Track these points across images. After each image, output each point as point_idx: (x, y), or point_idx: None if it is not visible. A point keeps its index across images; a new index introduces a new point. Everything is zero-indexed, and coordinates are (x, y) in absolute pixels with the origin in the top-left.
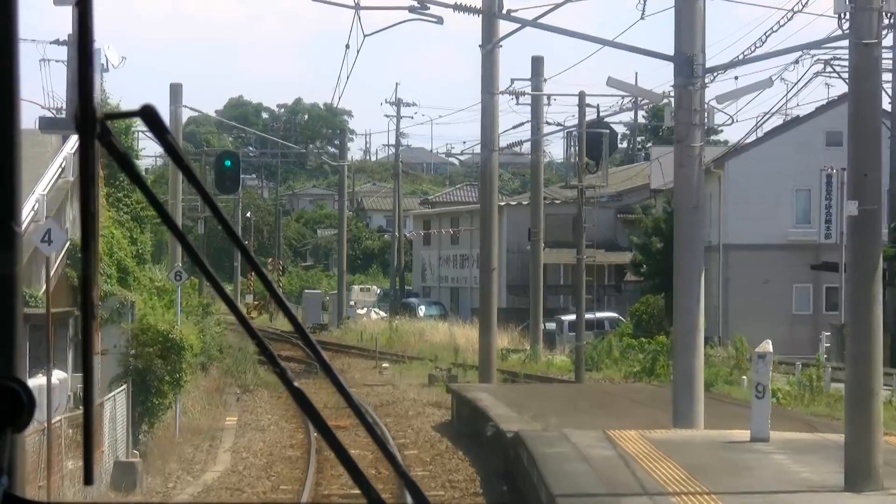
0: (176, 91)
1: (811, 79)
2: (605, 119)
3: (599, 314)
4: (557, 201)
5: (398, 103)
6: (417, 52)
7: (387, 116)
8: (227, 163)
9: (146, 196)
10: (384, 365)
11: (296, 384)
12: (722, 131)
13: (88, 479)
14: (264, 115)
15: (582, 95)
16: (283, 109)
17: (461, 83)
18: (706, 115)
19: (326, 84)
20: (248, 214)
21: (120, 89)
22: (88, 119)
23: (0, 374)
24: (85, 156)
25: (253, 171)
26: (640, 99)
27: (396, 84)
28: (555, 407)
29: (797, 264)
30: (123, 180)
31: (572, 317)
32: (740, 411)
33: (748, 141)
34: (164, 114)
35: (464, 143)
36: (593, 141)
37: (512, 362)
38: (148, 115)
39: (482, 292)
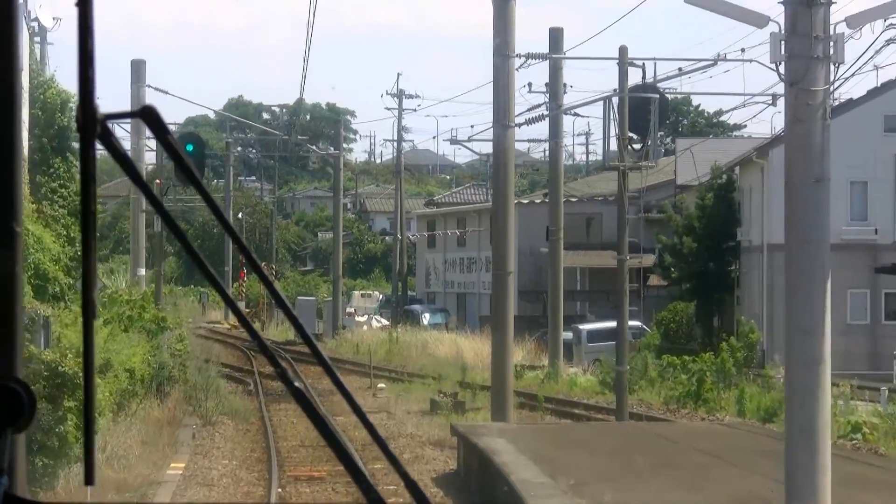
0: (138, 68)
1: (882, 47)
2: (655, 82)
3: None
4: (573, 199)
5: (400, 95)
6: (423, 55)
7: (387, 109)
8: (189, 147)
9: (148, 198)
10: (380, 385)
11: (296, 384)
12: (745, 125)
13: (89, 479)
14: (265, 116)
15: (623, 51)
16: (284, 110)
17: (465, 86)
18: (832, 44)
19: (329, 87)
20: (240, 215)
21: (121, 91)
22: (89, 120)
23: (1, 375)
24: (86, 156)
25: (252, 173)
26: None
27: (398, 74)
28: (602, 466)
29: (852, 267)
30: (59, 167)
31: (591, 326)
32: (855, 470)
33: None
34: (125, 93)
35: (471, 126)
36: (638, 109)
37: (528, 381)
38: (148, 115)
39: (495, 303)
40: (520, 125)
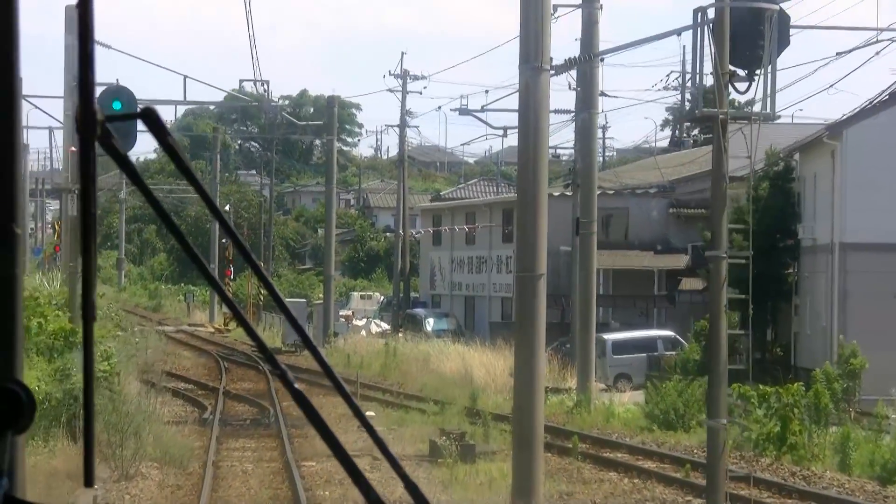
0: (74, 17)
1: None
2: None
3: (651, 332)
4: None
5: (404, 75)
6: (435, 57)
7: (390, 91)
8: (117, 105)
9: (147, 198)
10: (368, 413)
11: (296, 386)
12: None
13: (89, 481)
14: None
15: None
16: (287, 101)
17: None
18: None
19: (337, 84)
20: (227, 207)
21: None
22: (89, 121)
23: (1, 377)
24: (85, 157)
25: (253, 167)
26: None
27: (402, 53)
28: None
29: None
30: None
31: (617, 335)
32: None
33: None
34: (59, 45)
35: (486, 92)
36: (743, 31)
37: (552, 408)
38: (148, 116)
39: (521, 315)
40: (555, 69)
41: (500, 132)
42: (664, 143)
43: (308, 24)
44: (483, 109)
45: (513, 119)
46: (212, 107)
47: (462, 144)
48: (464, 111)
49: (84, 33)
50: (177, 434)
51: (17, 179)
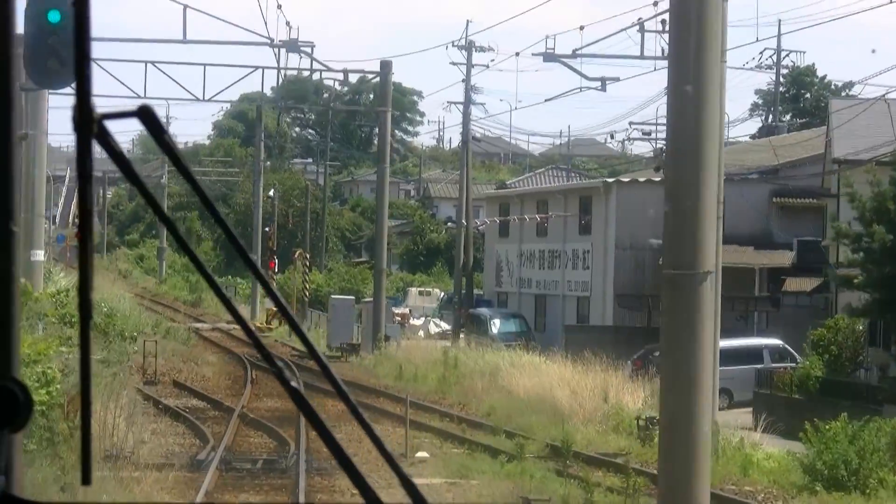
0: None
1: None
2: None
3: (755, 340)
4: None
5: (469, 46)
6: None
7: (453, 64)
8: (55, 15)
9: (144, 197)
10: (420, 454)
11: (293, 384)
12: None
13: (86, 479)
14: (325, 95)
15: None
16: (346, 88)
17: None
18: None
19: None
20: (272, 193)
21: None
22: (86, 119)
23: None
24: (83, 155)
25: (310, 156)
26: None
27: (468, 21)
28: None
29: None
30: None
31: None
32: None
33: None
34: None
35: (580, 29)
36: None
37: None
38: (145, 115)
39: (671, 332)
40: None
41: (597, 84)
42: (741, 136)
43: (362, 14)
44: (575, 54)
45: (612, 69)
46: (268, 90)
47: (546, 100)
48: (549, 57)
49: (81, 32)
50: (153, 487)
51: (13, 177)
